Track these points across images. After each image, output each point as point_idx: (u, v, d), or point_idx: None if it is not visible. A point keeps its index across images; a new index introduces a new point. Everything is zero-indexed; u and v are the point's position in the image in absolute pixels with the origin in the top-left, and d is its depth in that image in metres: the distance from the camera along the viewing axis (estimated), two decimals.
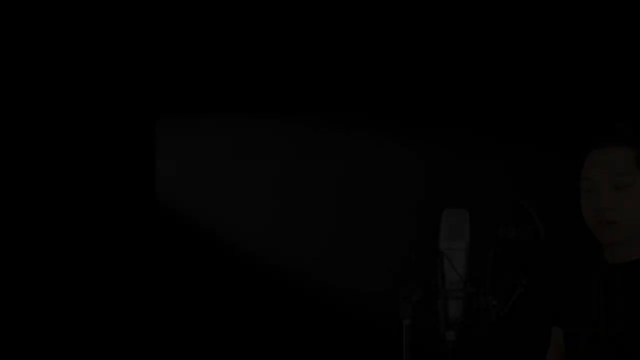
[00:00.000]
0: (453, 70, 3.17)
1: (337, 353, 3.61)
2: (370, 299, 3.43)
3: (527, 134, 2.92)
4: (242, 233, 4.11)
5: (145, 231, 3.98)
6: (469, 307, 1.37)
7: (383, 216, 3.51)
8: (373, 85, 3.48)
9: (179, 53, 4.12)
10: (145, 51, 3.91)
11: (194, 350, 4.12)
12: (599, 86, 2.69)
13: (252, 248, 4.05)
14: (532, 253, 1.37)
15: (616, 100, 2.61)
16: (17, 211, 3.47)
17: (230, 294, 4.07)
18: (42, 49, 3.54)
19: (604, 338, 1.62)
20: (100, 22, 3.68)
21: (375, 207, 3.56)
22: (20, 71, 3.49)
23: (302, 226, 3.83)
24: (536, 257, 1.37)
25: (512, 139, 2.97)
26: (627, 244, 1.62)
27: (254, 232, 4.06)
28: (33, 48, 3.51)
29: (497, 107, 3.01)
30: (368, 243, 3.54)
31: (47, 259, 3.55)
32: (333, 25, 3.56)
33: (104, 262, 3.72)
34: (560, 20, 2.82)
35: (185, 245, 4.28)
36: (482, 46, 3.06)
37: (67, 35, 3.60)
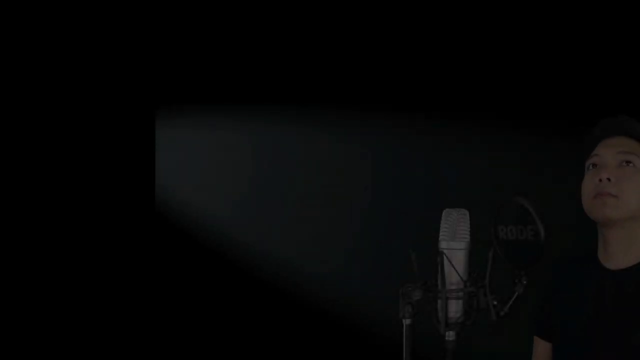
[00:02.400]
0: (454, 71, 3.17)
1: (337, 353, 3.61)
2: (370, 298, 3.43)
3: (527, 134, 2.92)
4: (240, 231, 4.11)
5: (144, 227, 3.98)
6: (469, 307, 1.37)
7: (383, 216, 3.51)
8: (373, 85, 3.48)
9: (179, 48, 4.12)
10: (145, 46, 3.91)
11: (193, 352, 4.12)
12: (599, 86, 2.69)
13: (250, 247, 4.05)
14: (532, 253, 1.37)
15: (616, 100, 2.62)
16: (16, 207, 3.47)
17: (229, 291, 4.07)
18: (42, 47, 3.55)
19: (597, 346, 1.62)
20: (100, 17, 3.69)
21: (375, 207, 3.55)
22: (19, 70, 3.49)
23: (302, 226, 3.83)
24: (536, 257, 1.37)
25: (512, 138, 2.97)
26: (622, 243, 1.62)
27: (252, 231, 4.06)
28: (33, 46, 3.51)
29: (498, 107, 3.01)
30: (368, 243, 3.54)
31: (46, 255, 3.55)
32: (334, 22, 3.56)
33: (103, 259, 3.72)
34: (558, 21, 2.82)
35: (184, 245, 4.28)
36: (483, 47, 3.06)
37: (66, 31, 3.61)
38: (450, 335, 1.36)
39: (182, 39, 4.18)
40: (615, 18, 2.69)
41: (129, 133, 3.92)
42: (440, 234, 1.38)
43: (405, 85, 3.36)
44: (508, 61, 2.98)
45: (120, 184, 3.82)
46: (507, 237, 1.42)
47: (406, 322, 1.34)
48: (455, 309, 1.36)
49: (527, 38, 2.91)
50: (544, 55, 2.88)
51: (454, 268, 1.36)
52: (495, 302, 1.37)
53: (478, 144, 3.11)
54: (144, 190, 4.06)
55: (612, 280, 1.64)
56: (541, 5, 2.88)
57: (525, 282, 1.41)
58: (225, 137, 4.22)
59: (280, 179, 3.96)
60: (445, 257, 1.36)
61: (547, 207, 1.46)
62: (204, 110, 4.29)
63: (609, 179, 1.59)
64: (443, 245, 1.38)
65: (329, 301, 3.67)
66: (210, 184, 4.30)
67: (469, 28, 3.11)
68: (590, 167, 1.66)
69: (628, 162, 1.60)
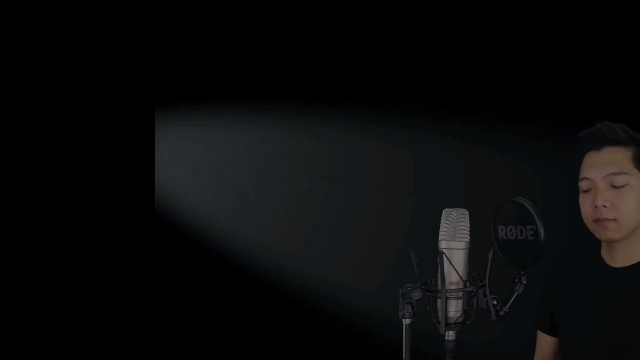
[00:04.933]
0: (454, 70, 3.17)
1: (337, 353, 3.62)
2: (370, 299, 3.43)
3: (527, 134, 2.92)
4: (240, 230, 4.11)
5: (144, 226, 3.98)
6: (469, 307, 1.37)
7: (383, 216, 3.51)
8: (373, 84, 3.49)
9: (179, 47, 4.12)
10: (144, 45, 3.91)
11: (193, 353, 4.12)
12: (600, 86, 2.69)
13: (249, 246, 4.05)
14: (532, 253, 1.37)
15: (614, 101, 2.62)
16: (15, 206, 3.47)
17: (228, 292, 4.07)
18: (41, 45, 3.55)
19: (603, 343, 1.63)
20: (100, 16, 3.69)
21: (375, 207, 3.55)
22: (18, 68, 3.49)
23: (301, 226, 3.83)
24: (536, 257, 1.37)
25: (513, 138, 2.97)
26: (627, 246, 1.63)
27: (251, 230, 4.06)
28: (32, 44, 3.52)
29: (498, 107, 3.01)
30: (368, 243, 3.54)
31: (44, 255, 3.54)
32: (333, 21, 3.56)
33: (102, 259, 3.72)
34: (560, 21, 2.83)
35: (184, 244, 4.28)
36: (483, 47, 3.07)
37: (66, 29, 3.61)
38: (450, 335, 1.37)
39: (183, 38, 4.18)
40: (616, 17, 2.69)
41: (129, 132, 3.92)
42: (440, 234, 1.39)
43: (405, 84, 3.36)
44: (509, 61, 2.98)
45: (119, 184, 3.82)
46: (507, 237, 1.43)
47: (406, 322, 1.34)
48: (455, 309, 1.37)
49: (529, 38, 2.91)
50: (544, 55, 2.88)
51: (454, 268, 1.36)
52: (495, 302, 1.38)
53: (478, 144, 3.11)
54: (144, 189, 4.06)
55: (616, 278, 1.65)
56: (543, 5, 2.88)
57: (525, 282, 1.41)
58: (225, 137, 4.23)
59: (280, 178, 3.96)
60: (445, 257, 1.36)
61: (547, 207, 1.47)
62: (204, 110, 4.29)
63: (605, 206, 1.59)
64: (443, 245, 1.38)
65: (329, 301, 3.68)
66: (210, 183, 4.31)
67: (470, 27, 3.11)
68: (584, 189, 1.66)
69: (618, 187, 1.59)
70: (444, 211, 1.41)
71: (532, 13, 2.90)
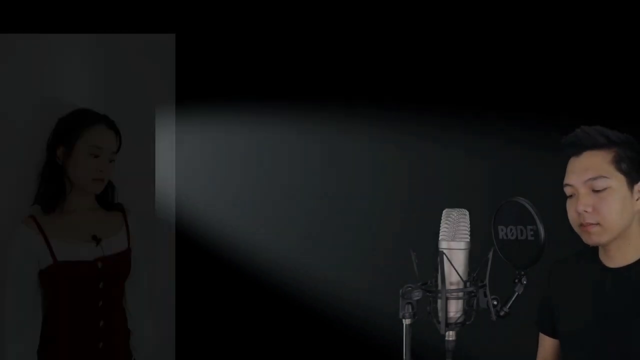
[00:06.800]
0: (454, 70, 3.18)
1: (337, 353, 3.62)
2: (370, 299, 3.43)
3: (527, 134, 2.92)
4: (239, 231, 4.11)
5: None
6: (469, 307, 1.37)
7: (383, 216, 3.50)
8: (373, 84, 3.48)
9: (179, 46, 4.11)
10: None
11: (192, 353, 4.12)
12: (600, 85, 2.69)
13: (250, 246, 4.05)
14: (532, 253, 1.37)
15: (616, 99, 2.62)
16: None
17: (227, 292, 4.07)
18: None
19: (602, 342, 1.63)
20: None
21: (375, 207, 3.55)
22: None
23: (301, 226, 3.82)
24: (536, 257, 1.37)
25: (513, 138, 2.97)
26: (620, 246, 1.64)
27: (251, 231, 4.06)
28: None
29: (498, 107, 3.01)
30: (368, 243, 3.54)
31: None
32: (331, 20, 3.55)
33: None
34: (561, 20, 2.83)
35: (184, 244, 4.28)
36: (483, 46, 3.07)
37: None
38: (450, 335, 1.37)
39: (182, 37, 4.17)
40: (617, 17, 2.69)
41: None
42: (440, 234, 1.39)
43: (405, 84, 3.35)
44: (509, 60, 2.98)
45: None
46: (507, 237, 1.43)
47: (406, 322, 1.34)
48: (455, 309, 1.37)
49: (528, 37, 2.91)
50: (544, 54, 2.88)
51: (454, 268, 1.36)
52: (495, 302, 1.38)
53: (478, 144, 3.11)
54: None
55: (612, 277, 1.66)
56: (544, 4, 2.88)
57: (525, 282, 1.42)
58: (225, 136, 4.22)
59: (279, 178, 3.96)
60: (445, 257, 1.36)
61: (547, 207, 1.47)
62: (204, 110, 4.29)
63: (586, 211, 1.61)
64: (443, 245, 1.38)
65: (329, 301, 3.67)
66: (210, 183, 4.30)
67: (469, 26, 3.11)
68: (568, 194, 1.68)
69: (598, 191, 1.61)
70: (444, 211, 1.41)
71: (537, 9, 2.90)
